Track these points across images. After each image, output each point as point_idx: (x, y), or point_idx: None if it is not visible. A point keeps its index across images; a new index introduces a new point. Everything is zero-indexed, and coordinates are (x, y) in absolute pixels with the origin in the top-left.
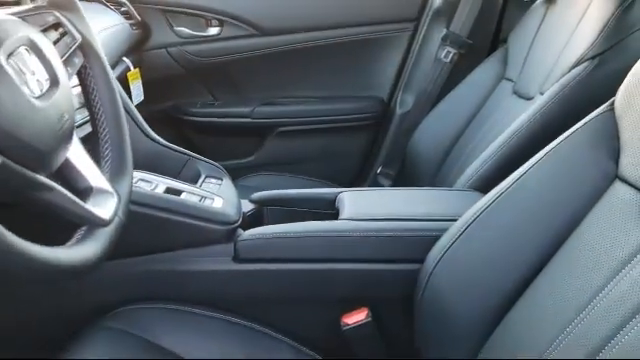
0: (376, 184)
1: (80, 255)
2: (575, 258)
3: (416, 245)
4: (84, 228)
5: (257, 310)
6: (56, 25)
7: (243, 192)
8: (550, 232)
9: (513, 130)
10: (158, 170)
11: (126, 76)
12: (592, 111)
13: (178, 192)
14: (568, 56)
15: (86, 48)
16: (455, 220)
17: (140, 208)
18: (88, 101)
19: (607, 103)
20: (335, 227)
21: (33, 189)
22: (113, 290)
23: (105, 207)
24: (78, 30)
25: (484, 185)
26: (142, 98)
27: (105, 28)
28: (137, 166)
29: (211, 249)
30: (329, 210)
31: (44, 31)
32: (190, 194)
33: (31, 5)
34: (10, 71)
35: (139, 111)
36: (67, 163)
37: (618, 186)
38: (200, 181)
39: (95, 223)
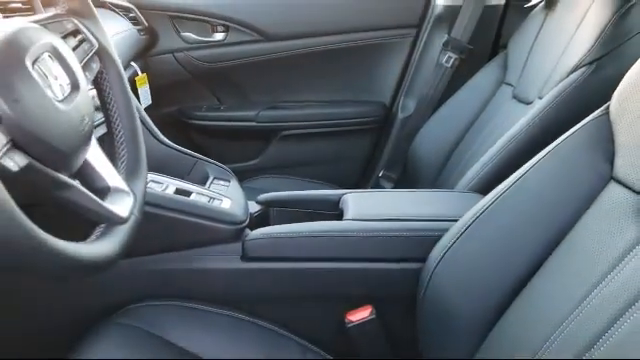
0: (378, 187)
1: (101, 251)
2: (571, 258)
3: (418, 245)
4: (103, 225)
5: (264, 307)
6: (75, 32)
7: (248, 194)
8: (547, 232)
9: (512, 134)
10: (167, 172)
11: (134, 81)
12: (589, 115)
13: (188, 193)
14: (566, 61)
15: (102, 54)
16: (456, 221)
17: (151, 208)
18: (104, 104)
19: (602, 107)
20: (340, 227)
21: (56, 188)
22: (125, 288)
23: (122, 205)
24: (95, 37)
25: (484, 187)
26: (150, 102)
27: (114, 34)
28: (147, 168)
29: (220, 248)
30: (333, 211)
31: (64, 38)
32: (199, 195)
33: (51, 13)
34: (36, 76)
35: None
36: (86, 163)
37: (613, 187)
38: (208, 183)
39: (113, 221)
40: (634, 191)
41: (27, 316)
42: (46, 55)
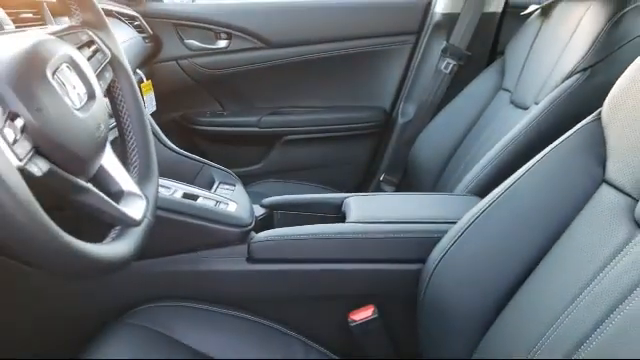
0: (379, 190)
1: (117, 251)
2: (564, 258)
3: (418, 246)
4: (118, 228)
5: (269, 307)
6: (89, 43)
7: (252, 198)
8: (542, 233)
9: (509, 138)
10: (174, 176)
11: (139, 87)
12: (583, 120)
13: (195, 197)
14: (561, 68)
15: (115, 63)
16: (454, 223)
17: (160, 212)
18: (116, 112)
19: (594, 113)
20: (342, 230)
21: (74, 192)
22: (135, 289)
23: (135, 208)
24: (108, 47)
25: (482, 190)
26: (155, 108)
27: (120, 42)
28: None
29: (226, 250)
30: (336, 214)
31: (79, 48)
32: (206, 199)
33: (66, 25)
34: (56, 86)
35: None
36: (101, 169)
37: (605, 189)
38: (214, 187)
39: (127, 223)
40: (624, 193)
41: (39, 316)
42: (64, 66)
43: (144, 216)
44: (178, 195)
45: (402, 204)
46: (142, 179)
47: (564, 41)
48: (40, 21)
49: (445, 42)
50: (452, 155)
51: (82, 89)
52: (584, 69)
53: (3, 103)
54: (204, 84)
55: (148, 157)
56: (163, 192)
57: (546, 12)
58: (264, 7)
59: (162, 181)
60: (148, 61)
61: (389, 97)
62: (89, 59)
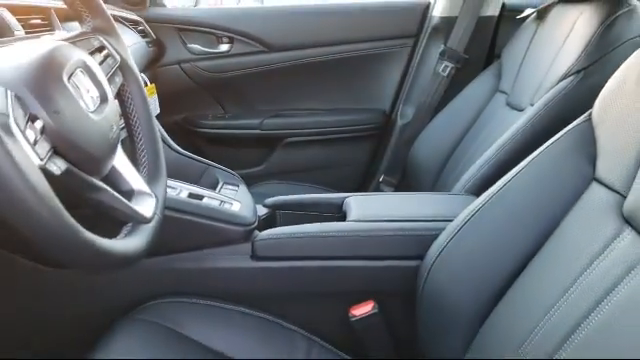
0: (379, 191)
1: (130, 246)
2: (556, 253)
3: (417, 243)
4: (130, 225)
5: (273, 303)
6: (100, 48)
7: (254, 199)
8: (535, 230)
9: (505, 139)
10: (180, 177)
11: None
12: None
13: (200, 197)
14: (556, 70)
15: (124, 68)
16: (451, 221)
17: (166, 211)
18: (126, 115)
19: (585, 114)
20: (343, 228)
21: (89, 191)
22: (143, 286)
23: (146, 206)
24: (118, 52)
25: (479, 190)
26: (158, 111)
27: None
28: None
29: (231, 248)
30: (337, 213)
31: (91, 54)
32: (211, 199)
33: (78, 31)
34: (71, 90)
35: None
36: (113, 168)
37: (595, 187)
38: (219, 187)
39: (139, 220)
40: (613, 190)
41: (48, 314)
42: (79, 70)
43: (154, 213)
44: (184, 195)
45: (401, 203)
46: (151, 178)
47: (558, 44)
48: (48, 27)
49: (443, 45)
50: (450, 156)
51: (95, 93)
52: (577, 71)
53: (24, 106)
54: (206, 87)
55: (156, 157)
56: (169, 192)
57: (541, 16)
58: (265, 11)
59: (168, 182)
60: (151, 65)
61: (388, 99)
62: (100, 64)
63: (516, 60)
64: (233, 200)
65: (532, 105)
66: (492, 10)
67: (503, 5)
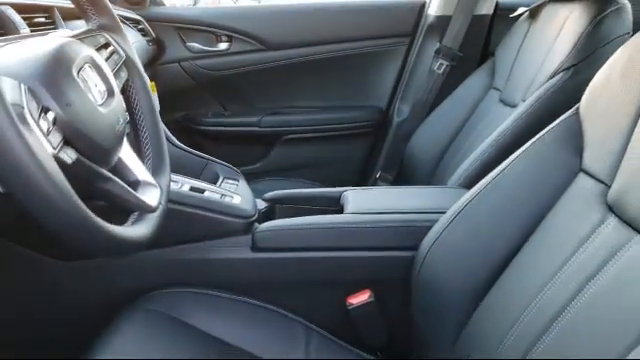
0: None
1: (138, 233)
2: (545, 240)
3: (411, 234)
4: (136, 213)
5: (272, 293)
6: (106, 45)
7: (254, 194)
8: (524, 220)
9: (498, 134)
10: (181, 172)
11: None
12: None
13: (201, 190)
14: (547, 67)
15: (129, 64)
16: (444, 212)
17: (169, 204)
18: (130, 109)
19: (573, 108)
20: (341, 220)
21: (98, 180)
22: (148, 276)
23: (151, 196)
24: (123, 49)
25: (472, 183)
26: (158, 109)
27: None
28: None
29: (232, 240)
30: (334, 207)
31: (98, 50)
32: (212, 192)
33: (85, 29)
34: (81, 84)
35: None
36: (119, 160)
37: (581, 177)
38: (219, 182)
39: (145, 209)
40: (598, 180)
41: (58, 304)
42: (87, 66)
43: (159, 203)
44: (186, 188)
45: (396, 196)
46: (155, 170)
47: (550, 42)
48: (52, 25)
49: (438, 43)
50: (445, 151)
51: (102, 87)
52: (567, 68)
53: (37, 98)
54: (206, 85)
55: (160, 150)
56: (172, 186)
57: (534, 14)
58: (263, 10)
59: (171, 176)
60: (151, 63)
61: (385, 97)
62: (107, 60)
63: (509, 58)
64: (234, 194)
65: (524, 101)
66: (486, 9)
67: (497, 4)
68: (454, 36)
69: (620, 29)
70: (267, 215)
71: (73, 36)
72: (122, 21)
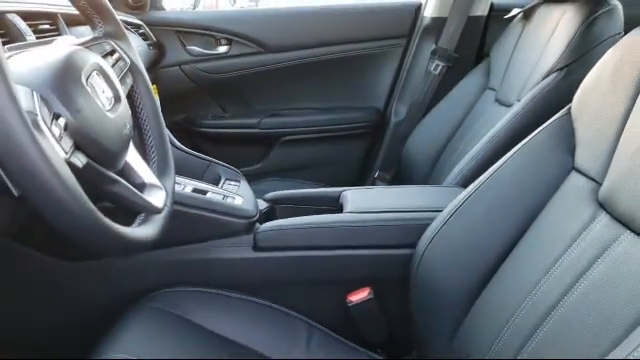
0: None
1: (145, 234)
2: (538, 238)
3: (409, 232)
4: (143, 215)
5: (274, 291)
6: (111, 52)
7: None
8: (518, 218)
9: (493, 134)
10: (184, 173)
11: None
12: None
13: (204, 192)
14: (541, 67)
15: (134, 70)
16: (441, 211)
17: (173, 205)
18: (135, 114)
19: (565, 108)
20: (340, 219)
21: (106, 183)
22: (152, 276)
23: (157, 198)
24: (128, 56)
25: (468, 182)
26: None
27: None
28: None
29: (234, 240)
30: (333, 206)
31: (104, 57)
32: (214, 193)
33: (91, 36)
34: (89, 90)
35: None
36: (126, 163)
37: (574, 176)
38: (221, 183)
39: (151, 211)
40: (590, 178)
41: (65, 304)
42: (95, 73)
43: (165, 204)
44: (188, 190)
45: (394, 195)
46: (161, 172)
47: (543, 42)
48: (56, 31)
49: (434, 45)
50: (442, 151)
51: (110, 93)
52: (561, 68)
53: (48, 106)
54: (206, 88)
55: (165, 153)
56: (175, 187)
57: (528, 16)
58: (261, 13)
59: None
60: (152, 67)
61: (382, 98)
62: (113, 66)
63: (504, 58)
64: (235, 195)
65: (519, 101)
66: (481, 10)
67: (492, 5)
68: (450, 37)
69: (612, 30)
70: (268, 215)
71: (80, 44)
72: (124, 26)
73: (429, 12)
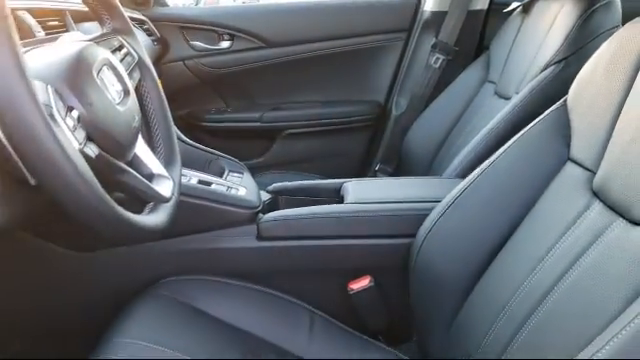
0: None
1: (154, 221)
2: (534, 227)
3: (409, 222)
4: (151, 204)
5: (277, 280)
6: (120, 47)
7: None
8: (515, 207)
9: (491, 126)
10: (189, 166)
11: None
12: None
13: (208, 183)
14: (539, 60)
15: (141, 65)
16: (440, 202)
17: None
18: (143, 107)
19: (561, 100)
20: (342, 209)
21: (118, 173)
22: (160, 265)
23: (165, 188)
24: (136, 51)
25: (467, 174)
26: None
27: None
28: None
29: (238, 230)
30: (335, 197)
31: (113, 52)
32: (218, 185)
33: (100, 33)
34: (100, 84)
35: None
36: (135, 154)
37: (569, 166)
38: (225, 175)
39: (159, 200)
40: (585, 167)
41: (77, 292)
42: (105, 67)
43: (172, 194)
44: (194, 181)
45: (394, 187)
46: (168, 163)
47: (542, 35)
48: (63, 27)
49: (434, 38)
50: (442, 143)
51: (119, 87)
52: (558, 61)
53: (62, 99)
54: (209, 83)
55: (171, 145)
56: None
57: (527, 9)
58: (264, 9)
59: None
60: (156, 62)
61: (383, 91)
62: (121, 61)
63: (504, 51)
64: (239, 186)
65: (517, 94)
66: (481, 4)
67: None
68: (450, 31)
69: (609, 23)
70: (271, 206)
71: (90, 40)
72: None
73: (429, 6)
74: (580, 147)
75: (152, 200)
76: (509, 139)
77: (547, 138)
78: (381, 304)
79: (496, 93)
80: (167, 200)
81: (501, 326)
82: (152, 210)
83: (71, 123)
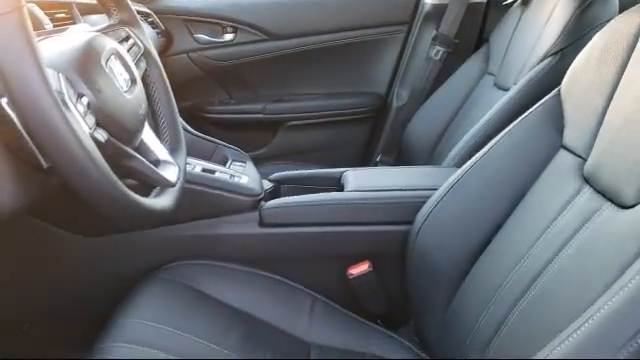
0: None
1: (161, 205)
2: (527, 212)
3: (406, 209)
4: (158, 188)
5: (279, 265)
6: (127, 38)
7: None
8: (509, 195)
9: (489, 116)
10: (193, 155)
11: None
12: None
13: (212, 171)
14: (537, 52)
15: (147, 55)
16: (437, 190)
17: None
18: (149, 96)
19: (555, 90)
20: (342, 197)
21: (125, 158)
22: (165, 250)
23: (171, 173)
24: (141, 42)
25: (465, 163)
26: None
27: None
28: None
29: (240, 217)
30: (335, 186)
31: (120, 43)
32: (222, 173)
33: (107, 24)
34: (109, 73)
35: None
36: (142, 141)
37: (562, 153)
38: (228, 164)
39: (166, 184)
40: (576, 154)
41: (84, 276)
42: (112, 57)
43: (178, 179)
44: (198, 170)
45: (393, 175)
46: (173, 150)
47: (540, 27)
48: (71, 19)
49: (435, 31)
50: (442, 134)
51: (126, 76)
52: (555, 52)
53: (73, 86)
54: (213, 75)
55: (176, 132)
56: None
57: (526, 1)
58: (266, 2)
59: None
60: (161, 55)
61: (384, 83)
62: (128, 51)
63: (503, 43)
64: (241, 174)
65: (515, 85)
66: None
67: None
68: (450, 23)
69: (606, 15)
70: (273, 195)
71: (98, 30)
72: None
73: None
74: (572, 135)
75: (158, 184)
76: (505, 128)
77: (541, 127)
78: (380, 289)
79: (495, 85)
80: (173, 185)
81: (492, 310)
82: (158, 194)
83: (82, 109)
